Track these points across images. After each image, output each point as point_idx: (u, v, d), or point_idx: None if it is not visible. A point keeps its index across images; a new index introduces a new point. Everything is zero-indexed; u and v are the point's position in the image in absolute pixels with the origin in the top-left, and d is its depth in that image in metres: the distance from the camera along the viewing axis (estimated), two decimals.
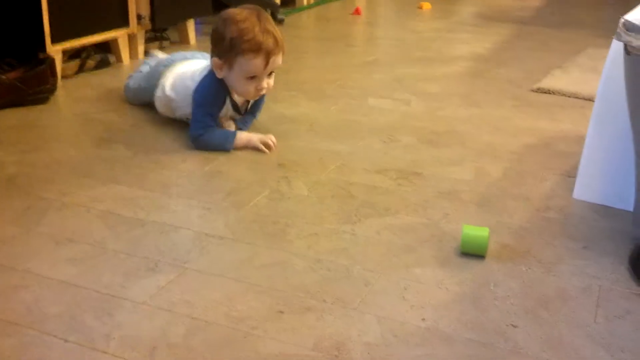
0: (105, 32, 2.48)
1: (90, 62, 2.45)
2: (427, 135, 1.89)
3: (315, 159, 1.69)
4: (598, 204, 1.48)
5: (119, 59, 2.59)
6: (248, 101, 1.83)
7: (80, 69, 2.42)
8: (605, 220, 1.41)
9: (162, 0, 2.65)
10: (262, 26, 1.65)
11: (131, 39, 2.63)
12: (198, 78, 1.76)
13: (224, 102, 1.76)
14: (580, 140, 1.59)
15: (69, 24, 2.30)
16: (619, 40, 1.13)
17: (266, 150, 1.71)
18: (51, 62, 2.09)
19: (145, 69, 2.09)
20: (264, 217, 1.39)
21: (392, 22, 3.82)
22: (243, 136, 1.74)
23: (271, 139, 1.74)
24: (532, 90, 2.35)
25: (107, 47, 2.56)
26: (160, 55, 2.20)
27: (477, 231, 1.25)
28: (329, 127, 1.91)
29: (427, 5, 4.09)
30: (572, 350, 1.00)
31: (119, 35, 2.55)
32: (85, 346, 0.98)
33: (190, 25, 2.95)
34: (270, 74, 1.72)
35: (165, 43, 2.85)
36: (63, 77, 2.33)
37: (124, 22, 2.55)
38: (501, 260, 1.25)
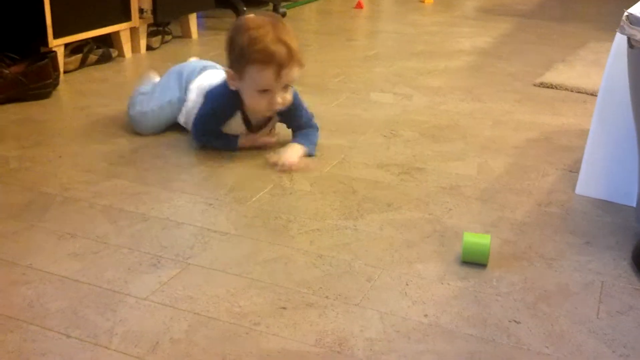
0: (107, 26, 2.48)
1: (92, 57, 2.45)
2: (428, 129, 1.89)
3: (316, 153, 1.68)
4: (600, 200, 1.48)
5: (121, 53, 2.59)
6: (269, 118, 1.70)
7: (83, 64, 2.42)
8: (607, 216, 1.41)
9: None
10: (276, 35, 1.51)
11: (133, 33, 2.62)
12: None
13: (231, 115, 1.65)
14: (582, 134, 1.59)
15: (71, 18, 2.30)
16: (622, 33, 1.13)
17: (267, 146, 1.67)
18: (53, 56, 2.09)
19: (146, 89, 1.87)
20: (266, 212, 1.39)
21: (394, 15, 3.81)
22: (247, 137, 1.68)
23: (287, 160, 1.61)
24: (535, 85, 2.34)
25: (109, 41, 2.56)
26: (153, 77, 1.96)
27: (478, 239, 1.20)
28: (330, 122, 1.91)
29: None
30: (575, 346, 1.00)
31: (120, 29, 2.55)
32: (88, 342, 0.98)
33: (192, 19, 2.94)
34: (286, 87, 1.58)
35: (167, 37, 2.84)
36: (65, 71, 2.33)
37: (125, 16, 2.55)
38: (503, 255, 1.25)
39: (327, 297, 1.10)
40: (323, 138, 1.74)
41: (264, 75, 1.52)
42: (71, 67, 2.37)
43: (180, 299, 1.09)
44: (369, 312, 1.07)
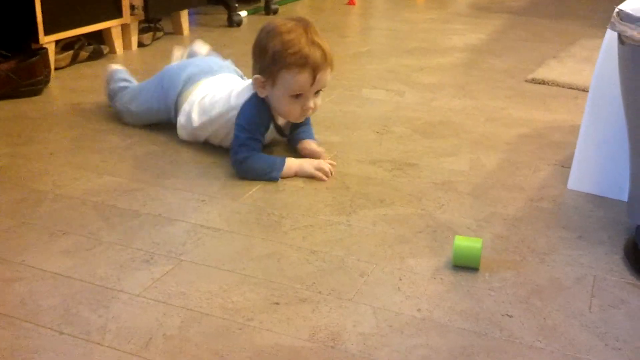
0: (98, 23, 2.47)
1: (84, 53, 2.44)
2: (421, 126, 1.89)
3: None
4: (592, 194, 1.48)
5: (112, 50, 2.58)
6: (291, 123, 1.64)
7: (74, 60, 2.41)
8: (599, 211, 1.42)
9: None
10: (309, 38, 1.48)
11: (124, 29, 2.62)
12: (235, 101, 1.57)
13: (268, 127, 1.58)
14: (574, 130, 1.59)
15: (62, 14, 2.29)
16: (613, 29, 1.13)
17: (324, 178, 1.52)
18: (44, 53, 2.08)
19: (132, 85, 1.88)
20: (259, 208, 1.39)
21: (387, 12, 3.81)
22: (293, 164, 1.53)
23: (328, 163, 1.56)
24: (527, 81, 2.35)
25: (100, 38, 2.55)
26: (129, 78, 1.94)
27: (469, 242, 1.18)
28: (322, 118, 1.91)
29: None
30: (567, 340, 1.01)
31: (112, 25, 2.54)
32: (81, 338, 0.98)
33: (184, 15, 2.93)
34: (317, 92, 1.53)
35: (159, 34, 2.84)
36: (56, 68, 2.32)
37: (117, 12, 2.54)
38: (496, 250, 1.25)
39: (320, 292, 1.11)
40: (316, 134, 1.74)
41: (299, 80, 1.48)
42: (62, 63, 2.36)
43: (173, 295, 1.09)
44: (362, 307, 1.07)
